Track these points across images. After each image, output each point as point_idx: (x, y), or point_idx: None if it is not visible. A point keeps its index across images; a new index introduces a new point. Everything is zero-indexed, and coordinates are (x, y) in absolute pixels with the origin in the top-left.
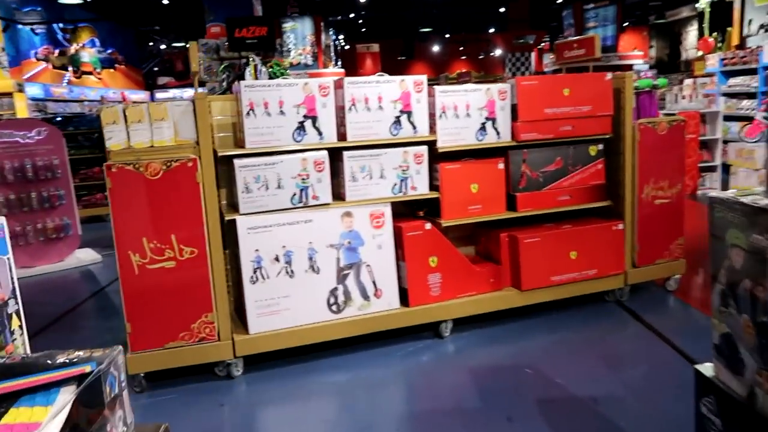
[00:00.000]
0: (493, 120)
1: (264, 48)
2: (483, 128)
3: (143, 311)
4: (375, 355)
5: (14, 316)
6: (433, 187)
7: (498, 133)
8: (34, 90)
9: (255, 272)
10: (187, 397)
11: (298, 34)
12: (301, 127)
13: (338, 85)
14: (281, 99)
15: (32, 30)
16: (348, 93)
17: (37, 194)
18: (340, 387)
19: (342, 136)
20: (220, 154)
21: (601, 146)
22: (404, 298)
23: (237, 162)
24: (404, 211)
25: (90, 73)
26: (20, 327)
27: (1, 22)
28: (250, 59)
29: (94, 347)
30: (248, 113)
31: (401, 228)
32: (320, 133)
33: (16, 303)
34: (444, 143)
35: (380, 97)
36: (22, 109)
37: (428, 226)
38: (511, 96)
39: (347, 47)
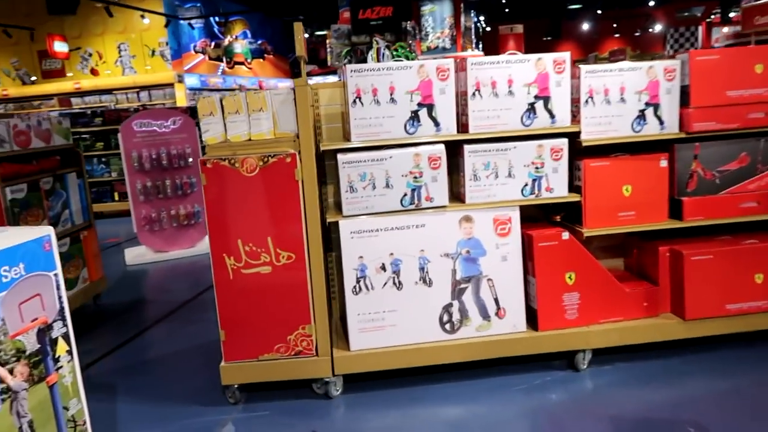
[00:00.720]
0: (656, 106)
1: (389, 30)
2: (642, 116)
3: (237, 319)
4: (494, 387)
5: (60, 341)
6: (573, 188)
7: (661, 123)
8: (192, 80)
9: (358, 282)
10: (280, 416)
11: (436, 17)
12: (414, 116)
13: (460, 68)
14: (392, 85)
15: (190, 24)
16: (471, 76)
17: (171, 182)
18: (450, 423)
19: (463, 128)
20: (322, 148)
21: None
22: (532, 320)
23: (340, 157)
24: (536, 215)
25: (242, 64)
26: (68, 352)
27: (165, 18)
28: (374, 42)
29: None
30: (354, 101)
31: (532, 237)
32: (437, 124)
33: (64, 325)
34: (589, 135)
35: (511, 80)
36: (182, 98)
37: (566, 235)
38: (680, 75)
39: (488, 29)
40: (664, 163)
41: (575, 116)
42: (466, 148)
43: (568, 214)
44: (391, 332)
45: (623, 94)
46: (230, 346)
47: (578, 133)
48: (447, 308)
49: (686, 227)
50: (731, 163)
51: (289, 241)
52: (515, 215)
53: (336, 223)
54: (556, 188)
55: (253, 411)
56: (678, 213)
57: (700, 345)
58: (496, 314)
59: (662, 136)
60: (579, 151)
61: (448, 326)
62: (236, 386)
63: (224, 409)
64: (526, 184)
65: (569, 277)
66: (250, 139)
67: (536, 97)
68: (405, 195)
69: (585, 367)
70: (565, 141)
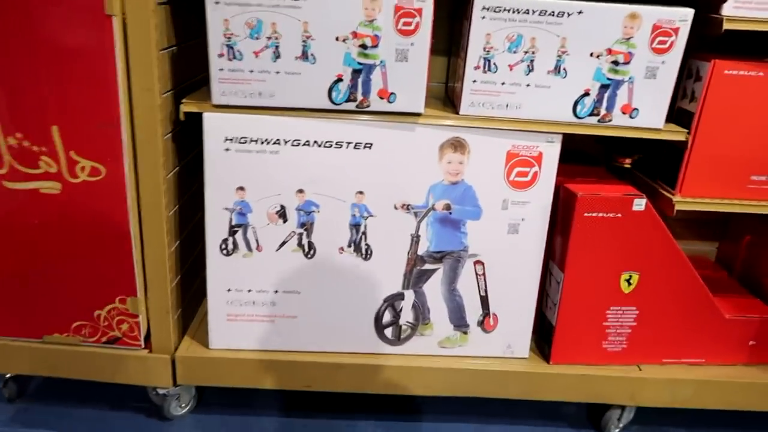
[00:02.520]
0: None
1: None
2: None
3: (4, 267)
4: None
5: None
6: (676, 115)
7: None
8: None
9: (232, 234)
10: None
11: None
12: None
13: None
14: None
15: None
16: None
17: None
18: None
19: None
20: None
21: None
22: (545, 343)
23: None
24: (590, 153)
25: None
26: None
27: None
28: None
29: None
30: None
31: (574, 196)
32: None
33: None
34: (744, 9)
35: None
36: None
37: (640, 203)
38: None
39: None
40: None
41: None
42: (478, 1)
43: (646, 160)
44: (285, 328)
45: None
46: None
47: (714, 4)
48: (392, 301)
49: None
50: None
51: (94, 141)
52: (552, 150)
53: (196, 118)
54: (645, 110)
55: (25, 416)
56: None
57: None
58: (481, 323)
59: None
60: (703, 44)
61: (389, 332)
62: (8, 376)
63: None
64: (586, 93)
65: (627, 280)
66: None
67: None
68: (339, 80)
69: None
70: (687, 13)
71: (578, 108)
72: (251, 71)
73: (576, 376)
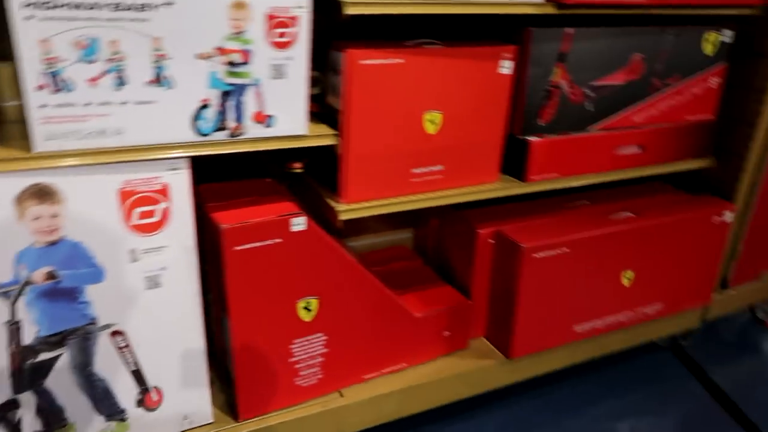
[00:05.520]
0: None
1: None
2: None
3: None
4: None
5: None
6: (324, 112)
7: None
8: None
9: None
10: None
11: None
12: None
13: None
14: None
15: None
16: None
17: None
18: None
19: None
20: None
21: (728, 36)
22: (230, 395)
23: None
24: (261, 159)
25: None
26: None
27: None
28: None
29: None
30: None
31: (219, 229)
32: None
33: None
34: None
35: None
36: None
37: (300, 222)
38: None
39: None
40: (507, 67)
41: None
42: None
43: (317, 163)
44: None
45: None
46: None
47: None
48: (3, 414)
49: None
50: (616, 72)
51: None
52: (179, 180)
53: None
54: (281, 115)
55: None
56: (519, 167)
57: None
58: (141, 402)
59: (510, 7)
60: (337, 31)
61: None
62: None
63: None
64: (205, 104)
65: (306, 308)
66: None
67: None
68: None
69: None
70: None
71: (199, 123)
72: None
73: (269, 428)
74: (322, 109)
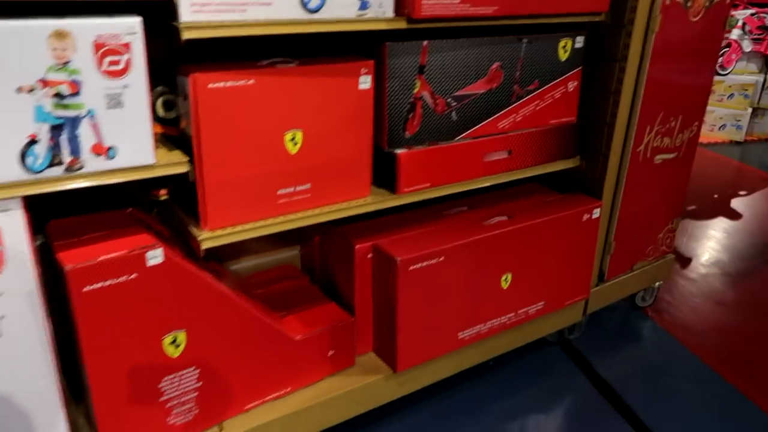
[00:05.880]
0: None
1: None
2: None
3: None
4: None
5: None
6: (181, 137)
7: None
8: None
9: None
10: None
11: None
12: None
13: None
14: None
15: None
16: None
17: None
18: None
19: None
20: None
21: (580, 41)
22: None
23: None
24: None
25: None
26: None
27: None
28: None
29: None
30: None
31: (66, 269)
32: None
33: None
34: (202, 14)
35: None
36: None
37: (156, 255)
38: None
39: None
40: (366, 83)
41: None
42: None
43: (182, 189)
44: None
45: None
46: None
47: (169, 9)
48: None
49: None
50: (477, 82)
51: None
52: (12, 221)
53: None
54: (124, 146)
55: None
56: (390, 178)
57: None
58: None
59: (360, 23)
60: (183, 55)
61: None
62: None
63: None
64: (34, 140)
65: (173, 343)
66: None
67: None
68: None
69: None
70: (133, 24)
71: (29, 160)
72: None
73: None
74: (180, 134)
